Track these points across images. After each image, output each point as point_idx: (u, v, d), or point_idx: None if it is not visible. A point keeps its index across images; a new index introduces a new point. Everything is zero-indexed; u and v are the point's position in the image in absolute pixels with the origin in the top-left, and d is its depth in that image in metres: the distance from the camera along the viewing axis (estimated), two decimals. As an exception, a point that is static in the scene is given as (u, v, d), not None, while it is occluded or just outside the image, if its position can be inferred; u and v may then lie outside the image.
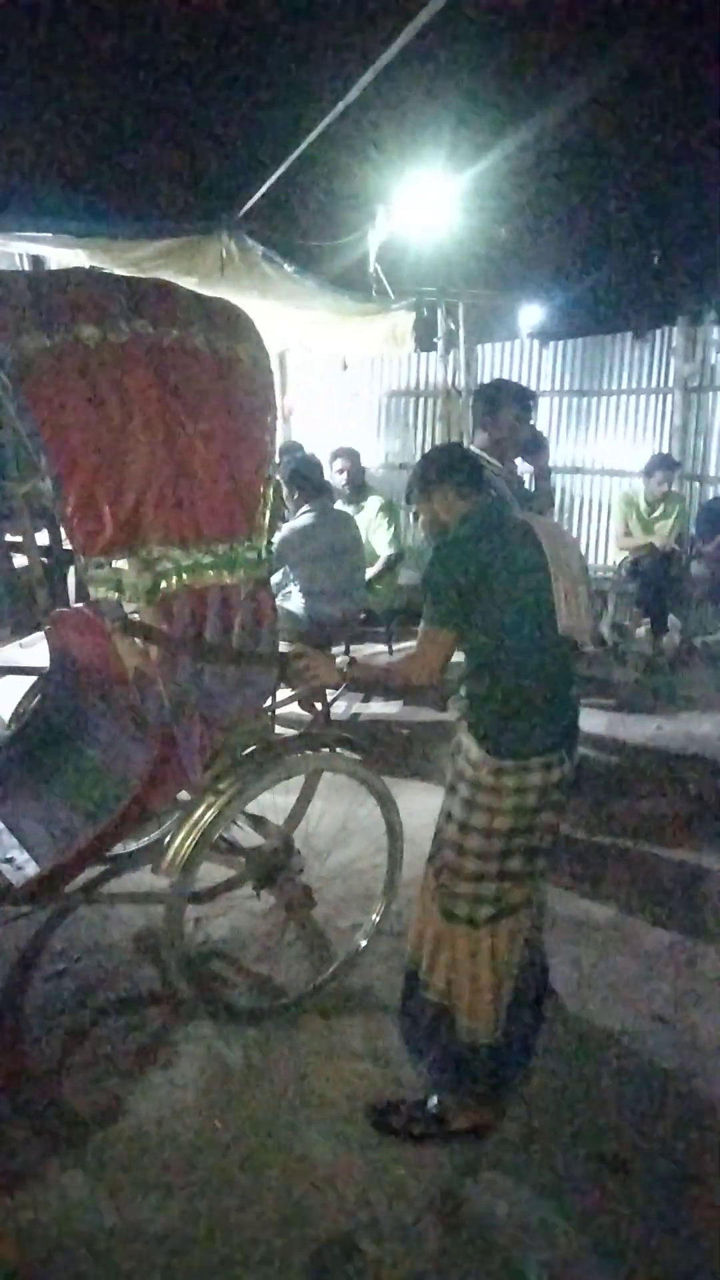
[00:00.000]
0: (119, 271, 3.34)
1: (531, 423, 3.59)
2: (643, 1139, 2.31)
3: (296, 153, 4.73)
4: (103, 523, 2.17)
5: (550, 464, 7.77)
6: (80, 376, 2.10)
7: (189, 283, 2.60)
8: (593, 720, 5.25)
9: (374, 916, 2.95)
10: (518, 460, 3.65)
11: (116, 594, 2.27)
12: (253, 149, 5.13)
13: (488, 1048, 2.24)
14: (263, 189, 4.92)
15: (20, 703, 3.08)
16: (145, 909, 3.11)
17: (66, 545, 3.02)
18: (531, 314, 12.28)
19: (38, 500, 2.70)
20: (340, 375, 8.01)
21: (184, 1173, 2.21)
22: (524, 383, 8.09)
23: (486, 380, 7.12)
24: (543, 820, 2.18)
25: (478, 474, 2.35)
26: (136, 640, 2.38)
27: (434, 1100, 2.34)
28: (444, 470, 2.31)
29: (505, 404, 3.44)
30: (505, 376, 7.95)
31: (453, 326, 7.65)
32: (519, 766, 2.13)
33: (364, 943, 2.92)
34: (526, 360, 7.82)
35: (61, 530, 3.02)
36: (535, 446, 3.84)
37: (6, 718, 3.36)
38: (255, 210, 5.16)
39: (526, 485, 3.70)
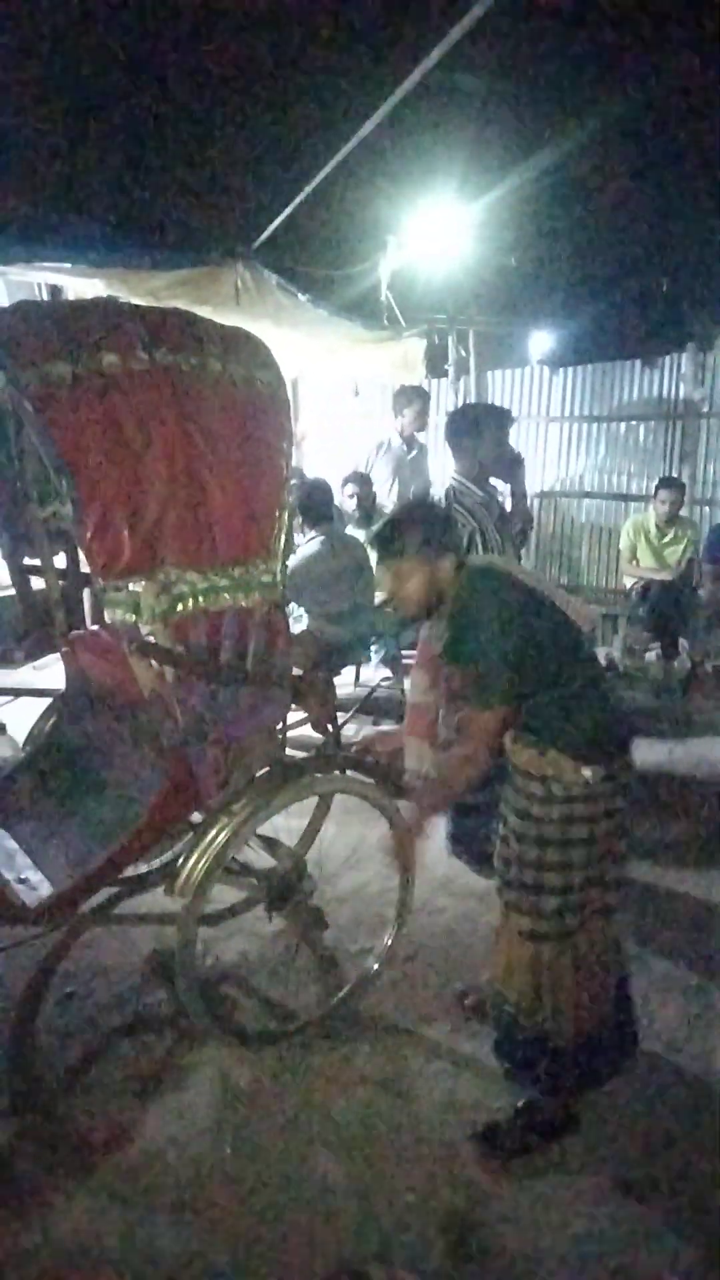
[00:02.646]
0: (136, 301, 3.41)
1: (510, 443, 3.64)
2: (656, 1167, 2.29)
3: (312, 184, 4.82)
4: (121, 546, 2.20)
5: (556, 486, 7.83)
6: (101, 403, 2.14)
7: (204, 311, 2.65)
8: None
9: (386, 940, 2.94)
10: (493, 479, 3.68)
11: (133, 616, 2.30)
12: (268, 180, 5.22)
13: (587, 1042, 2.28)
14: (278, 220, 5.01)
15: (36, 724, 3.10)
16: (157, 931, 3.11)
17: (84, 568, 3.05)
18: (541, 341, 12.38)
19: (57, 524, 2.74)
20: (352, 401, 8.09)
21: (193, 1197, 2.20)
22: (534, 408, 8.17)
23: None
24: (622, 817, 2.27)
25: (452, 529, 2.39)
26: (152, 662, 2.41)
27: (523, 1108, 2.39)
28: (440, 538, 2.28)
29: (488, 428, 3.50)
30: (516, 402, 8.04)
31: (463, 353, 7.73)
32: (621, 764, 2.22)
33: (376, 967, 2.91)
34: (537, 386, 7.90)
35: (79, 553, 3.07)
36: (513, 464, 3.85)
37: (22, 740, 3.39)
38: (269, 239, 5.24)
39: (503, 505, 3.72)
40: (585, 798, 2.18)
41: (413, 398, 6.14)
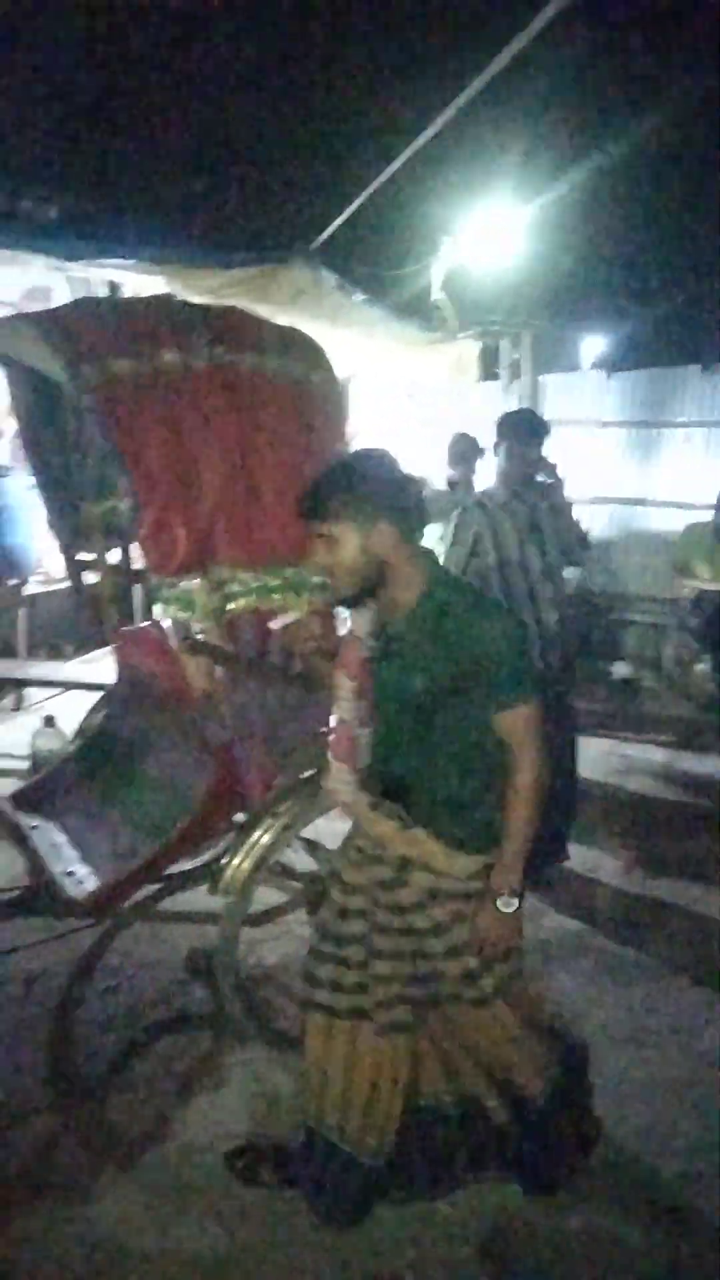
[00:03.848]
0: (194, 298, 3.42)
1: (542, 454, 3.58)
2: (688, 1189, 2.23)
3: (375, 184, 4.81)
4: (176, 543, 2.21)
5: (610, 494, 7.68)
6: (161, 401, 2.15)
7: (261, 310, 2.66)
8: (651, 756, 5.14)
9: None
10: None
11: (186, 613, 2.30)
12: (329, 180, 5.23)
13: (365, 1163, 2.04)
14: (340, 220, 5.01)
15: (86, 718, 3.12)
16: (198, 929, 3.11)
17: (135, 565, 3.07)
18: (594, 344, 12.24)
19: (114, 520, 2.76)
20: (405, 404, 8.06)
21: (228, 1198, 2.18)
22: (588, 414, 8.07)
23: (549, 411, 7.11)
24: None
25: (402, 493, 1.83)
26: (202, 660, 2.41)
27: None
28: (385, 497, 1.78)
29: (511, 437, 3.45)
30: (570, 407, 7.93)
31: (517, 357, 7.65)
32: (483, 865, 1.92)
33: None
34: (591, 391, 7.78)
35: (131, 550, 3.09)
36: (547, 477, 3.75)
37: (70, 732, 3.42)
38: (326, 238, 5.24)
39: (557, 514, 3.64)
40: (470, 895, 1.90)
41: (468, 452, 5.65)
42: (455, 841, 1.90)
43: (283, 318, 3.03)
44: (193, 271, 4.69)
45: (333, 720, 2.00)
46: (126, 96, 6.06)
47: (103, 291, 5.83)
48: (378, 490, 1.79)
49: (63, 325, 2.16)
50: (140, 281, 5.11)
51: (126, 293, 5.59)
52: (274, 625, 2.21)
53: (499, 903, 1.88)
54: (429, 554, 1.91)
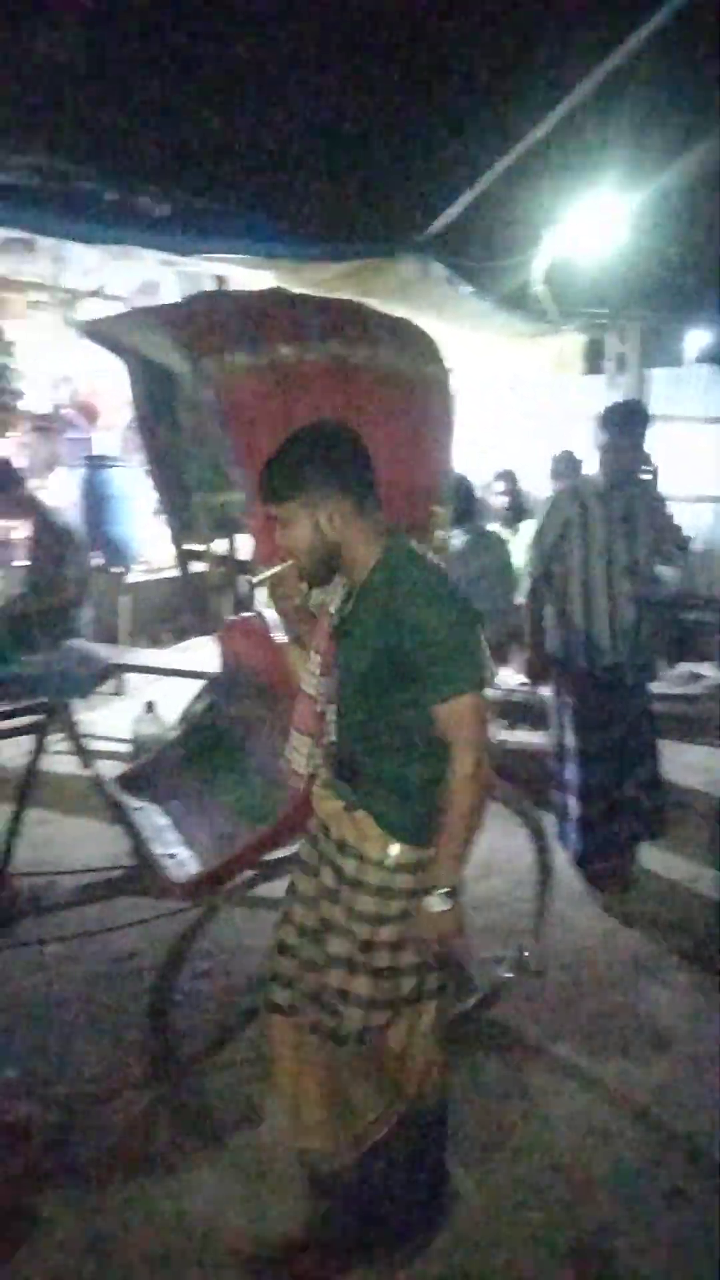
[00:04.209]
0: (303, 292, 3.44)
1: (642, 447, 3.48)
2: None
3: (491, 176, 4.76)
4: (286, 536, 2.22)
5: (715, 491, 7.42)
6: (277, 394, 2.16)
7: (370, 304, 2.65)
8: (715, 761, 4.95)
9: (521, 951, 2.87)
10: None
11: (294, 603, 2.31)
12: (441, 172, 5.18)
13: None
14: (453, 212, 4.97)
15: (189, 705, 3.19)
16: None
17: (240, 556, 3.12)
18: (700, 338, 11.83)
19: (227, 512, 2.80)
20: (507, 397, 7.97)
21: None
22: (695, 410, 7.82)
23: (655, 406, 6.91)
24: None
25: (373, 482, 1.82)
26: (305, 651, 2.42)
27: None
28: (332, 471, 1.74)
29: (613, 428, 3.37)
30: (677, 402, 7.70)
31: (623, 350, 7.47)
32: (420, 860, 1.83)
33: (507, 977, 2.84)
34: (699, 386, 7.54)
35: (238, 541, 3.13)
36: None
37: (169, 718, 3.50)
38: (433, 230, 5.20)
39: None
40: (406, 891, 1.81)
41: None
42: (392, 828, 1.82)
43: (390, 310, 3.03)
44: (301, 265, 4.73)
45: (299, 692, 1.98)
46: (238, 92, 6.14)
47: (210, 286, 5.94)
48: (326, 468, 1.74)
49: (184, 319, 2.20)
50: (247, 276, 5.18)
51: (232, 287, 5.69)
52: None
53: (429, 900, 1.78)
54: (391, 531, 1.84)
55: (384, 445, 2.32)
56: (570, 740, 3.52)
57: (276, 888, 2.89)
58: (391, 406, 2.35)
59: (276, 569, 1.93)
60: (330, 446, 1.78)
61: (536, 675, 3.68)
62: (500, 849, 3.19)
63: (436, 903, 1.77)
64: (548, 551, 3.50)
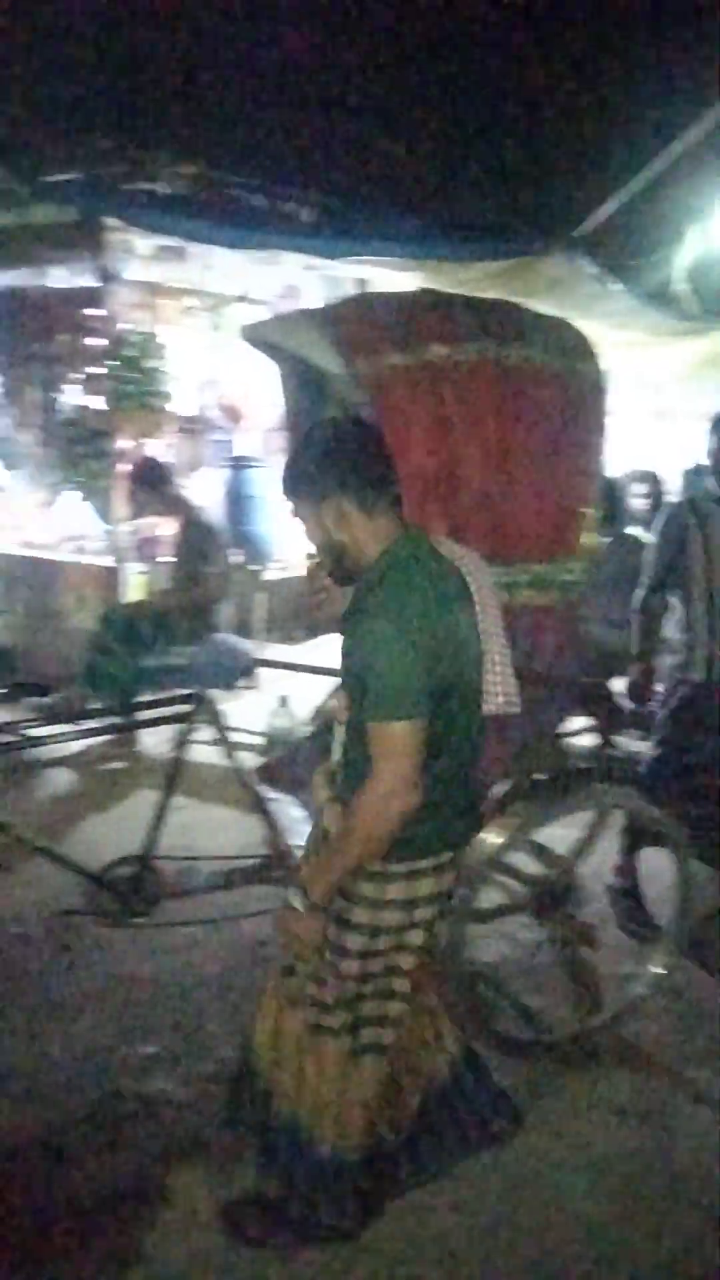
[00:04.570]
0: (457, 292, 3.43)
1: None
2: None
3: (644, 176, 4.62)
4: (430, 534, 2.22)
5: None
6: (427, 394, 2.18)
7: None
8: None
9: (656, 969, 2.78)
10: None
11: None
12: (594, 167, 5.07)
13: (353, 1162, 1.95)
14: (607, 209, 4.85)
15: (325, 700, 3.24)
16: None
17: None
18: None
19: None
20: (651, 397, 7.72)
21: (437, 1191, 2.18)
22: None
23: None
24: (429, 929, 1.92)
25: (386, 478, 1.76)
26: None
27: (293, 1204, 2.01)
28: (336, 469, 1.71)
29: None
30: None
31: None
32: (409, 871, 1.81)
33: (642, 994, 2.76)
34: None
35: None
36: None
37: (301, 713, 3.58)
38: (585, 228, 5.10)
39: None
40: (370, 901, 1.81)
41: None
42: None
43: (536, 308, 2.99)
44: (444, 265, 4.72)
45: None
46: (383, 96, 6.17)
47: (351, 288, 6.02)
48: (330, 468, 1.72)
49: (339, 321, 2.25)
50: (390, 277, 5.22)
51: (374, 289, 5.75)
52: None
53: (287, 894, 1.79)
54: (401, 531, 1.78)
55: (536, 444, 2.31)
56: (679, 753, 3.34)
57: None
58: (545, 406, 2.33)
59: (310, 565, 1.94)
60: (338, 447, 1.76)
61: (641, 695, 3.44)
62: (639, 865, 3.11)
63: (291, 899, 1.79)
64: (665, 563, 3.33)
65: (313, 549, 1.86)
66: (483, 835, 2.42)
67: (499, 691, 1.80)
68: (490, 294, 4.02)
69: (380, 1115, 2.00)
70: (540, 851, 2.80)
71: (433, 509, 2.21)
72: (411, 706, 1.65)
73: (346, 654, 1.78)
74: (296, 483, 1.77)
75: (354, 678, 1.73)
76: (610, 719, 2.71)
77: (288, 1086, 1.97)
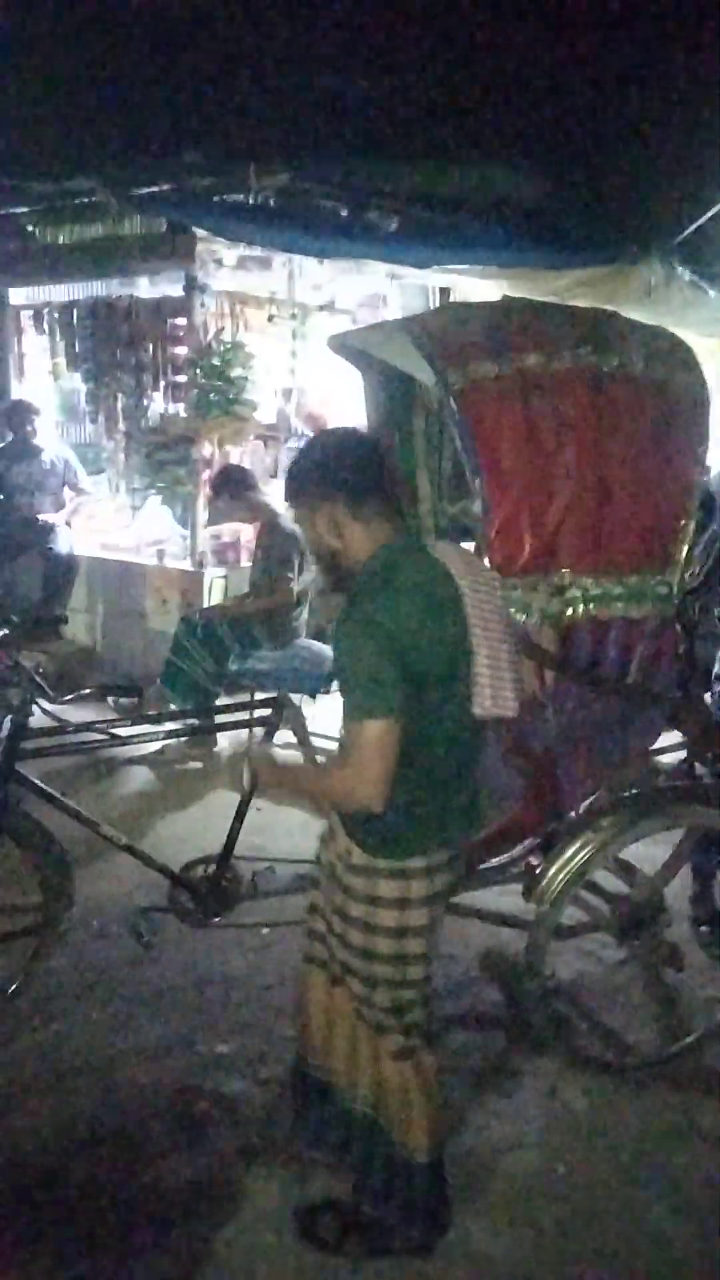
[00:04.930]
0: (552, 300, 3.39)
1: None
2: None
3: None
4: (522, 546, 2.21)
5: None
6: (520, 403, 2.15)
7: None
8: None
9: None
10: None
11: (523, 616, 2.29)
12: (689, 173, 4.97)
13: (429, 1165, 1.94)
14: (704, 217, 4.74)
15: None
16: (490, 929, 3.11)
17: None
18: None
19: (459, 520, 2.82)
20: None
21: (519, 1207, 2.16)
22: None
23: None
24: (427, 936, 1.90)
25: (379, 484, 1.80)
26: (533, 664, 2.39)
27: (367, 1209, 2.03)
28: (328, 476, 1.78)
29: None
30: None
31: None
32: (400, 869, 1.82)
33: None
34: None
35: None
36: None
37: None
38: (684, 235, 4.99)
39: None
40: (366, 896, 1.83)
41: None
42: (352, 833, 1.84)
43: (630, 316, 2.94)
44: (537, 274, 4.67)
45: None
46: (472, 103, 6.16)
47: (435, 297, 6.01)
48: (325, 475, 1.78)
49: (431, 330, 2.24)
50: (475, 285, 5.19)
51: (457, 297, 5.72)
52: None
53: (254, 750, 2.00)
54: (393, 532, 1.82)
55: (632, 455, 2.26)
56: None
57: (476, 897, 2.89)
58: (642, 416, 2.28)
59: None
60: (333, 456, 1.82)
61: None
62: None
63: (256, 750, 1.99)
64: None
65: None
66: (566, 850, 2.40)
67: (488, 694, 1.79)
68: (582, 302, 3.98)
69: (441, 1118, 1.99)
70: (626, 869, 2.74)
71: (524, 520, 2.18)
72: (383, 706, 1.66)
73: (334, 657, 1.84)
74: (295, 489, 1.85)
75: (339, 679, 1.79)
76: (702, 735, 2.64)
77: (362, 1087, 1.98)
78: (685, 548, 2.38)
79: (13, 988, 2.68)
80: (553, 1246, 2.07)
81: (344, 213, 5.36)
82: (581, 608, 2.29)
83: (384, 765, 1.68)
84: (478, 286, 5.34)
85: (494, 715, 1.82)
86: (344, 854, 1.86)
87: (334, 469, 1.78)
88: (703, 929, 3.17)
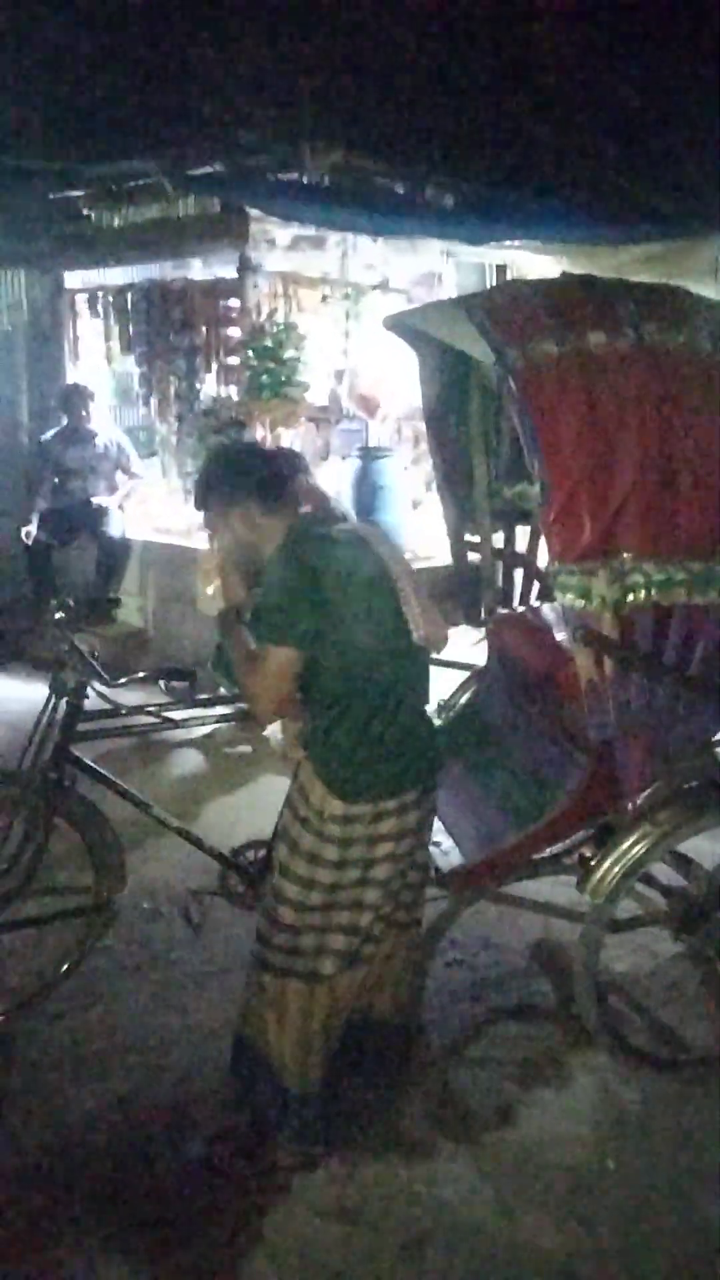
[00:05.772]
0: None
1: None
2: None
3: None
4: (582, 530, 2.14)
5: None
6: (582, 383, 2.08)
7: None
8: None
9: None
10: None
11: (583, 602, 2.23)
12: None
13: (302, 1094, 2.13)
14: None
15: (452, 696, 3.19)
16: (542, 919, 3.07)
17: (518, 549, 3.06)
18: None
19: (517, 504, 2.76)
20: None
21: (573, 1201, 2.13)
22: None
23: None
24: (400, 867, 2.09)
25: (282, 480, 2.10)
26: (592, 651, 2.33)
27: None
28: (239, 480, 2.07)
29: None
30: None
31: None
32: (373, 812, 2.00)
33: None
34: None
35: (515, 534, 3.09)
36: None
37: (433, 707, 3.51)
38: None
39: None
40: (338, 839, 2.00)
41: None
42: (325, 781, 2.00)
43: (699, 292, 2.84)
44: (592, 249, 4.56)
45: None
46: (531, 76, 6.02)
47: (491, 275, 5.90)
48: (237, 482, 2.06)
49: (490, 308, 2.17)
50: (532, 261, 5.09)
51: (514, 274, 5.61)
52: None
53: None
54: (307, 518, 2.11)
55: (699, 437, 2.18)
56: None
57: (529, 888, 2.85)
58: (706, 394, 2.19)
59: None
60: (242, 464, 2.13)
61: None
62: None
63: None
64: None
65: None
66: (623, 843, 2.34)
67: (420, 621, 2.02)
68: (644, 278, 3.85)
69: (330, 1046, 2.15)
70: (683, 863, 2.68)
71: (584, 503, 2.11)
72: (288, 635, 1.91)
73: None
74: (208, 497, 2.11)
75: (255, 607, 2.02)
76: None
77: (256, 1026, 2.15)
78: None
79: (64, 967, 2.71)
80: (602, 1242, 2.03)
81: (400, 190, 5.28)
82: (643, 594, 2.20)
83: (281, 687, 1.96)
84: (535, 263, 5.24)
85: (434, 639, 2.05)
86: (316, 806, 2.01)
87: (246, 476, 2.07)
88: None
